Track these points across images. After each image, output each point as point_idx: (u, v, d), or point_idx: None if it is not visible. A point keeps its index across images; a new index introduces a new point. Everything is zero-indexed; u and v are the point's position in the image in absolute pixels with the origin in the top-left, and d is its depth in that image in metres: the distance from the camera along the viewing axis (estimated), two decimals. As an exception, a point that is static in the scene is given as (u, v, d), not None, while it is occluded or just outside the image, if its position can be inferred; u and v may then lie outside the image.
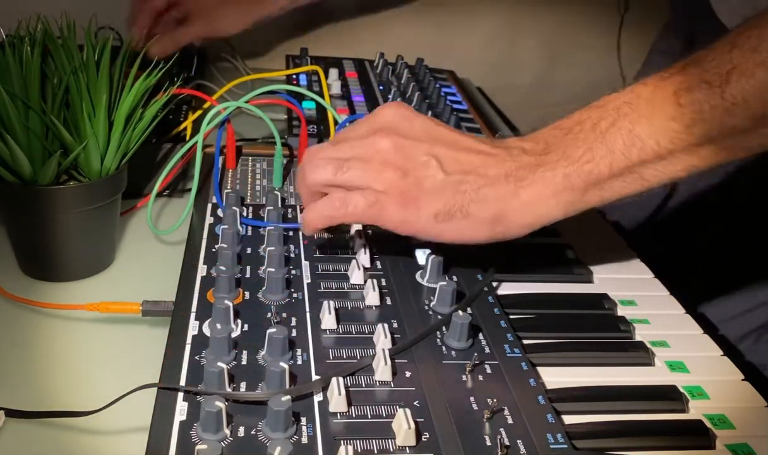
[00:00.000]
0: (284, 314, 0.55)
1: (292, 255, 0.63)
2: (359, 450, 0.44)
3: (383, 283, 0.60)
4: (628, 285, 0.66)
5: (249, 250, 0.63)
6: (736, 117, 0.50)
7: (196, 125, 0.80)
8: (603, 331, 0.59)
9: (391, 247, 0.65)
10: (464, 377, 0.50)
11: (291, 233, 0.66)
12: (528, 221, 0.57)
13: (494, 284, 0.64)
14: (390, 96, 0.99)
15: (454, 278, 0.62)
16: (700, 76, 0.51)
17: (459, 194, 0.56)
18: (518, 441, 0.45)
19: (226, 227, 0.63)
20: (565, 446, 0.45)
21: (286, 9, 1.08)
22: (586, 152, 0.55)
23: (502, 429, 0.46)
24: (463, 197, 0.56)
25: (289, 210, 0.70)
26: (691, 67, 0.52)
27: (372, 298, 0.57)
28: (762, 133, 0.51)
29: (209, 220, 0.67)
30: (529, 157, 0.57)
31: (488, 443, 0.45)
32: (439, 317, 0.56)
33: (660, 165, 0.54)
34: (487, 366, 0.52)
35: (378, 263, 0.63)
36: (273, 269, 0.57)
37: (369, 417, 0.46)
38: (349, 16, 1.32)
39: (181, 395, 0.46)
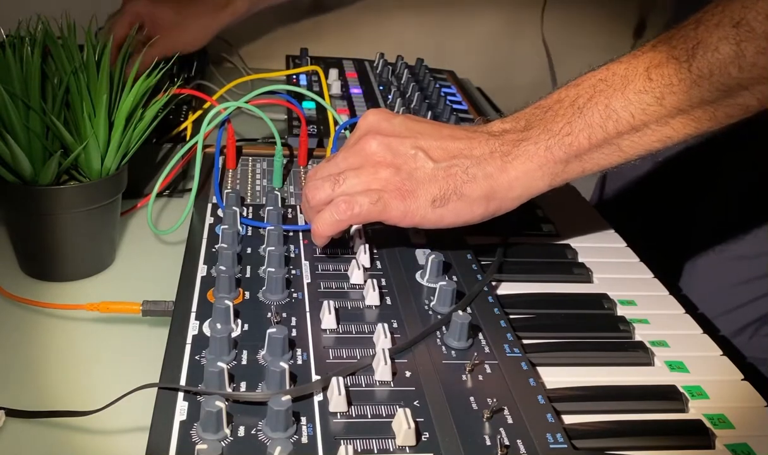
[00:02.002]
0: (284, 314, 0.55)
1: (292, 255, 0.63)
2: (359, 450, 0.44)
3: (383, 283, 0.60)
4: (628, 285, 0.66)
5: (249, 250, 0.63)
6: (703, 89, 0.53)
7: (197, 125, 0.80)
8: (602, 331, 0.59)
9: (391, 247, 0.65)
10: (464, 377, 0.51)
11: (291, 233, 0.66)
12: (518, 194, 0.60)
13: (494, 284, 0.64)
14: (390, 96, 0.99)
15: (454, 278, 0.62)
16: (669, 53, 0.54)
17: (450, 177, 0.59)
18: (518, 441, 0.45)
19: (226, 227, 0.63)
20: (565, 446, 0.45)
21: (243, 16, 1.08)
22: (565, 125, 0.58)
23: (502, 429, 0.46)
24: (455, 180, 0.59)
25: (289, 210, 0.70)
26: (661, 45, 0.56)
27: (372, 298, 0.57)
28: (728, 104, 0.54)
29: (209, 220, 0.67)
30: (511, 134, 0.60)
31: (488, 443, 0.45)
32: (439, 317, 0.57)
33: (636, 136, 0.57)
34: (487, 366, 0.52)
35: (378, 263, 0.63)
36: (273, 269, 0.57)
37: (369, 416, 0.46)
38: (349, 16, 1.32)
39: (181, 395, 0.46)
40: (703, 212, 1.02)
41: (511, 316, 0.59)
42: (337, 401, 0.46)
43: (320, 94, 0.93)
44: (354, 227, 0.65)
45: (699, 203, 1.03)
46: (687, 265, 0.99)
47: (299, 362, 0.50)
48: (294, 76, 1.02)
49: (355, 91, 1.02)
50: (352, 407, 0.47)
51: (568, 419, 0.49)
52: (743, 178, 0.98)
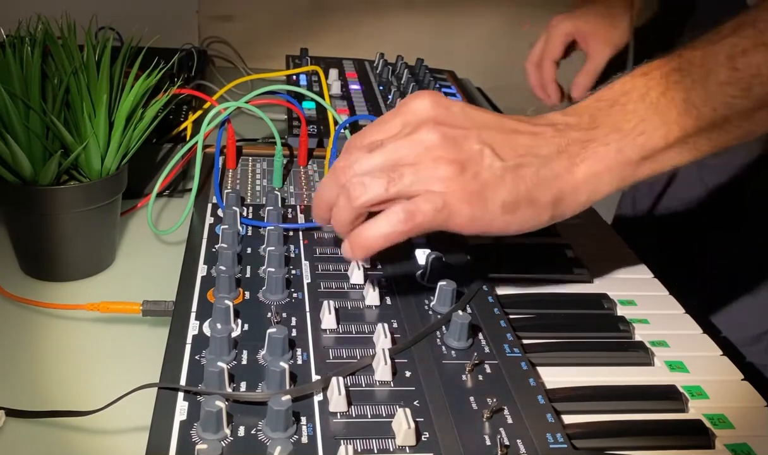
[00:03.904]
0: (284, 314, 0.55)
1: (292, 255, 0.63)
2: (359, 450, 0.44)
3: (383, 283, 0.60)
4: (628, 285, 0.66)
5: (249, 250, 0.63)
6: None
7: (197, 125, 0.80)
8: (603, 331, 0.59)
9: (391, 247, 0.65)
10: (464, 377, 0.51)
11: (291, 233, 0.66)
12: (583, 200, 0.53)
13: (494, 284, 0.64)
14: (390, 96, 0.99)
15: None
16: (757, 38, 0.49)
17: (520, 179, 0.51)
18: (518, 441, 0.45)
19: (226, 227, 0.63)
20: (565, 445, 0.45)
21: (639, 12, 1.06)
22: (638, 123, 0.52)
23: (501, 429, 0.46)
24: (525, 183, 0.51)
25: (289, 210, 0.70)
26: (745, 29, 0.50)
27: (372, 298, 0.57)
28: None
29: (209, 220, 0.67)
30: (576, 132, 0.53)
31: (488, 443, 0.45)
32: (439, 317, 0.57)
33: (714, 133, 0.51)
34: (486, 366, 0.52)
35: (378, 263, 0.63)
36: (273, 269, 0.57)
37: (369, 416, 0.46)
38: (349, 16, 1.32)
39: (181, 395, 0.46)
40: (715, 233, 1.01)
41: (511, 316, 0.59)
42: (337, 401, 0.46)
43: (320, 94, 0.93)
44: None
45: (712, 223, 1.01)
46: (698, 278, 0.98)
47: (299, 362, 0.50)
48: (294, 76, 1.02)
49: (354, 87, 1.02)
50: (352, 407, 0.47)
51: (568, 419, 0.49)
52: (757, 195, 0.96)
